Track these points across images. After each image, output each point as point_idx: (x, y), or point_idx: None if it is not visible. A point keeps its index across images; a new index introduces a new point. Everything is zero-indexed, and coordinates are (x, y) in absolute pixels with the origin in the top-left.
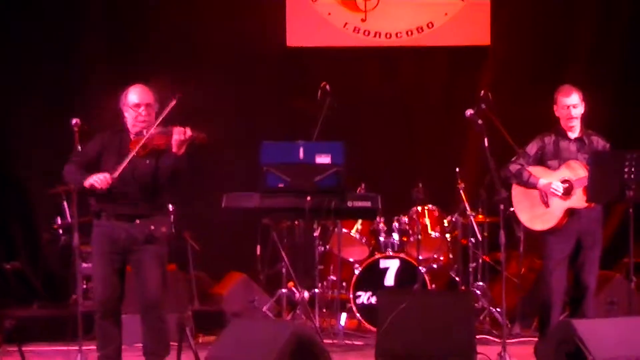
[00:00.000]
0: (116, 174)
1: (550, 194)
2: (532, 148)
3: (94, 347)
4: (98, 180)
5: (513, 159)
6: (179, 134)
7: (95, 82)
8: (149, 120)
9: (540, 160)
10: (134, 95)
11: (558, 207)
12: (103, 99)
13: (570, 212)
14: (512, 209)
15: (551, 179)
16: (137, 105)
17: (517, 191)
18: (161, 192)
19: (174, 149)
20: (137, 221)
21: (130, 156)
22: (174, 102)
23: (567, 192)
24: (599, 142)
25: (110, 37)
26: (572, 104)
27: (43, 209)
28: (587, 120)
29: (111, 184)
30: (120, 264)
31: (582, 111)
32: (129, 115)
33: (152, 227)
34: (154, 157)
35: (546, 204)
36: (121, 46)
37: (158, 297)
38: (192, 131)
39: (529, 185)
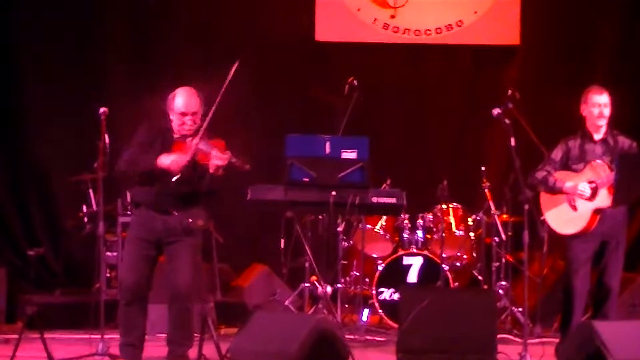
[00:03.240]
0: (189, 157)
1: (578, 196)
2: (557, 154)
3: (116, 335)
4: (177, 161)
5: (540, 166)
6: (217, 159)
7: (120, 71)
8: (194, 127)
9: (566, 164)
10: (181, 103)
11: (586, 209)
12: (127, 87)
13: (597, 212)
14: (542, 218)
15: (576, 182)
16: (183, 114)
17: (544, 198)
18: (199, 196)
19: (211, 170)
20: (175, 213)
21: (192, 151)
22: (236, 65)
23: (593, 194)
24: (625, 142)
25: (135, 27)
26: (603, 103)
27: (67, 197)
28: (615, 121)
29: (182, 169)
30: (152, 252)
31: (610, 113)
32: (174, 119)
33: (190, 220)
34: (197, 167)
35: (574, 208)
36: (146, 36)
37: (188, 288)
38: (232, 157)
39: (556, 190)
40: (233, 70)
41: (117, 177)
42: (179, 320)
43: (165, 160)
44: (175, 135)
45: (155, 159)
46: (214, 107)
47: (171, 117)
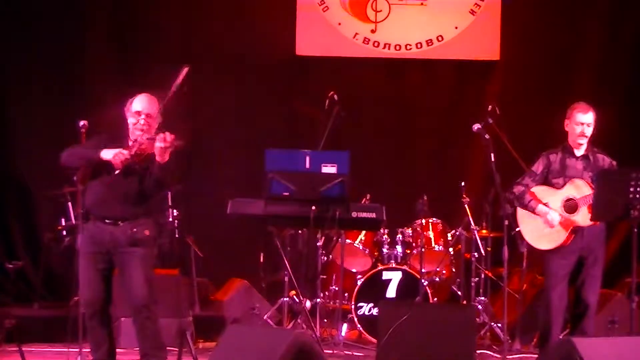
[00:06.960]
0: (132, 152)
1: (545, 222)
2: (538, 167)
3: None
4: (119, 155)
5: (519, 180)
6: (161, 141)
7: (101, 84)
8: (147, 130)
9: (546, 178)
10: (138, 102)
11: (563, 225)
12: (108, 101)
13: (575, 230)
14: (517, 229)
15: (555, 198)
16: (138, 113)
17: (522, 211)
18: (148, 197)
19: (157, 157)
20: (121, 223)
21: (137, 145)
22: (185, 71)
23: (572, 210)
24: (605, 160)
25: (117, 40)
26: (587, 122)
27: (46, 210)
28: (596, 135)
29: (124, 163)
30: (105, 264)
31: (593, 132)
32: (130, 122)
33: (135, 230)
34: (146, 163)
35: (551, 224)
36: (128, 49)
37: (144, 298)
38: (173, 138)
39: (528, 209)
40: (182, 76)
41: (63, 169)
42: (144, 333)
43: (108, 153)
44: (130, 141)
45: (97, 154)
46: (160, 109)
47: (128, 119)
